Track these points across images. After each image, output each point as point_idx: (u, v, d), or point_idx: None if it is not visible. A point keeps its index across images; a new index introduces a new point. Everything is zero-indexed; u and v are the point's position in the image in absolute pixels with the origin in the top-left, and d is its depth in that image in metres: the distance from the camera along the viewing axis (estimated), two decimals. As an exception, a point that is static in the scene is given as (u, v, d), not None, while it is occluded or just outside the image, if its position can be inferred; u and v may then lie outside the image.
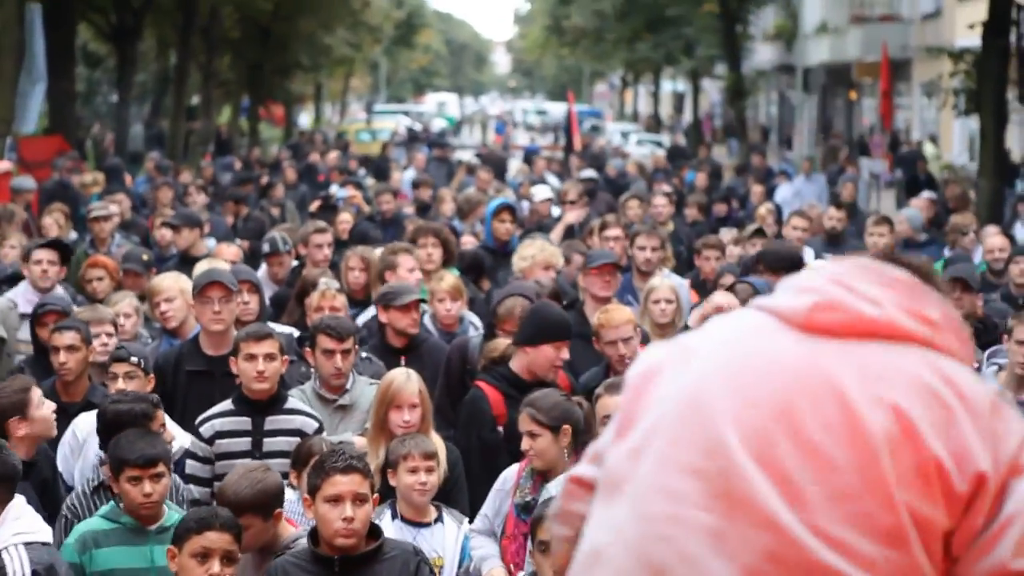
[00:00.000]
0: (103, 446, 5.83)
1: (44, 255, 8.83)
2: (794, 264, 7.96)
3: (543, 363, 6.74)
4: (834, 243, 12.57)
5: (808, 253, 11.89)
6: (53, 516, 5.76)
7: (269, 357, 6.34)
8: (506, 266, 10.25)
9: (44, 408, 5.96)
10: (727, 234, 12.56)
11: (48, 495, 6.06)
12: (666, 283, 8.66)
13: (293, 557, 4.95)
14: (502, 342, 7.07)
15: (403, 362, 7.41)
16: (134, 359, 6.65)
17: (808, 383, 2.22)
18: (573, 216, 13.20)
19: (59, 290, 8.93)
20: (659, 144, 42.05)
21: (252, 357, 6.33)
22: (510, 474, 6.14)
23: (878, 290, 2.31)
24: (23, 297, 8.79)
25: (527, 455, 5.96)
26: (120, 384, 6.59)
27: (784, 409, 2.20)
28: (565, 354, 6.75)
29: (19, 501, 4.99)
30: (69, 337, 6.89)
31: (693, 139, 44.11)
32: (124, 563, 5.25)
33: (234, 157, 19.34)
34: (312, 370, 7.06)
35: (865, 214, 14.25)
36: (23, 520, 4.93)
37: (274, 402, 6.41)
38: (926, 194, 17.92)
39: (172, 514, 5.41)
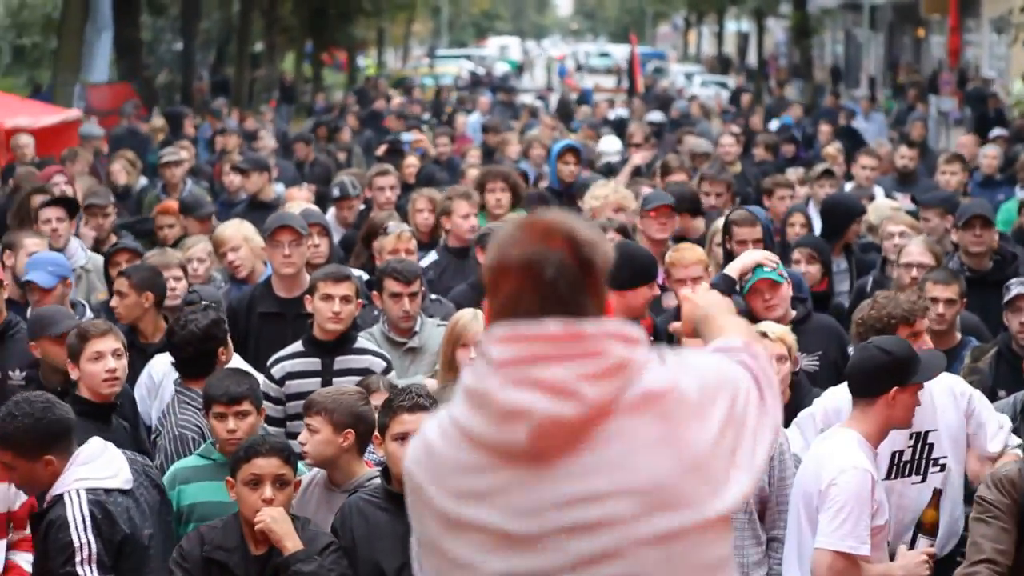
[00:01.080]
0: (177, 367, 6.04)
1: (52, 213, 8.67)
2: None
3: (639, 305, 6.66)
4: (905, 182, 12.45)
5: (878, 191, 11.78)
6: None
7: (345, 299, 6.42)
8: (571, 207, 10.23)
9: (98, 363, 5.82)
10: (794, 174, 12.46)
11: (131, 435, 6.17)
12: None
13: (367, 495, 5.02)
14: None
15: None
16: (204, 303, 6.73)
17: None
18: (639, 158, 13.15)
19: (74, 244, 8.89)
20: (724, 85, 41.66)
21: (329, 297, 6.42)
22: None
23: (561, 375, 2.35)
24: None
25: None
26: None
27: None
28: (656, 291, 6.73)
29: (94, 446, 5.02)
30: (118, 283, 7.03)
31: (758, 80, 43.69)
32: (210, 497, 5.35)
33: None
34: (380, 313, 7.12)
35: (936, 152, 14.07)
36: (91, 466, 4.95)
37: (343, 342, 6.49)
38: (996, 131, 17.67)
39: None
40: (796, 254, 8.15)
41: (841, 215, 9.02)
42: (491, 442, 2.34)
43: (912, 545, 5.18)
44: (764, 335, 6.02)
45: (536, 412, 2.31)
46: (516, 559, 2.35)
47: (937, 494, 5.26)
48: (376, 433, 5.07)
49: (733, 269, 6.73)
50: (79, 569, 4.75)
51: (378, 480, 5.10)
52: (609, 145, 15.03)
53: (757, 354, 2.62)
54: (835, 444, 5.04)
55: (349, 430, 5.33)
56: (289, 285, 7.26)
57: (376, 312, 7.42)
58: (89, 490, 4.84)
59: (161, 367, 6.54)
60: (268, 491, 4.83)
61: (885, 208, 10.17)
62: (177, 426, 5.81)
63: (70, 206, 8.85)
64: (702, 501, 2.34)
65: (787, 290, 6.75)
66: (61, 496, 4.84)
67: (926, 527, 5.17)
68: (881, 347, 5.10)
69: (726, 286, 6.63)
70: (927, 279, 7.01)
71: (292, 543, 4.78)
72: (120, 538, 4.83)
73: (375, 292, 7.12)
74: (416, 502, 2.47)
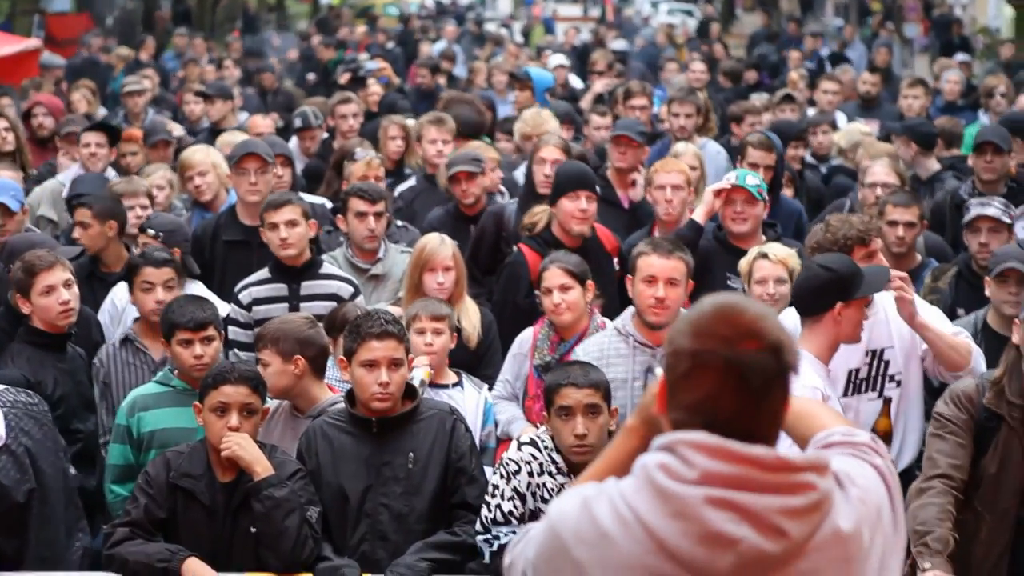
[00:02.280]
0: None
1: (92, 138, 8.81)
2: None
3: (565, 216, 6.78)
4: (868, 107, 12.47)
5: (840, 117, 11.81)
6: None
7: (290, 224, 6.43)
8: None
9: (51, 296, 5.73)
10: (759, 100, 12.46)
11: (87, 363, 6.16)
12: (690, 149, 8.65)
13: (331, 419, 5.04)
14: (540, 209, 7.10)
15: (472, 231, 7.51)
16: (150, 231, 6.72)
17: None
18: (600, 85, 13.12)
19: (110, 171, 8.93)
20: (690, 13, 41.43)
21: (274, 226, 6.44)
22: (526, 337, 6.20)
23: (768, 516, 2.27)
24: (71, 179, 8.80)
25: (556, 310, 6.01)
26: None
27: None
28: (584, 204, 6.76)
29: None
30: (79, 214, 7.00)
31: (724, 8, 43.45)
32: (170, 424, 5.36)
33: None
34: (344, 239, 7.12)
35: (899, 78, 14.09)
36: None
37: (309, 267, 6.50)
38: (960, 57, 17.69)
39: None
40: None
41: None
42: (687, 559, 2.25)
43: None
44: (765, 256, 6.08)
45: (744, 544, 2.24)
46: None
47: (887, 402, 5.34)
48: (342, 357, 5.08)
49: (700, 215, 6.79)
50: None
51: (342, 404, 5.13)
52: (555, 60, 15.05)
53: (883, 451, 2.55)
54: None
55: (297, 356, 5.34)
56: (254, 213, 7.23)
57: (339, 238, 7.43)
58: None
59: (124, 294, 6.55)
60: (235, 419, 4.82)
61: (855, 132, 10.20)
62: None
63: (111, 132, 8.95)
64: None
65: (761, 210, 6.81)
66: None
67: (879, 436, 5.27)
68: (823, 265, 5.15)
69: (694, 233, 6.70)
70: (887, 201, 7.04)
71: (262, 467, 4.78)
72: None
73: (339, 216, 7.12)
74: (567, 572, 2.33)
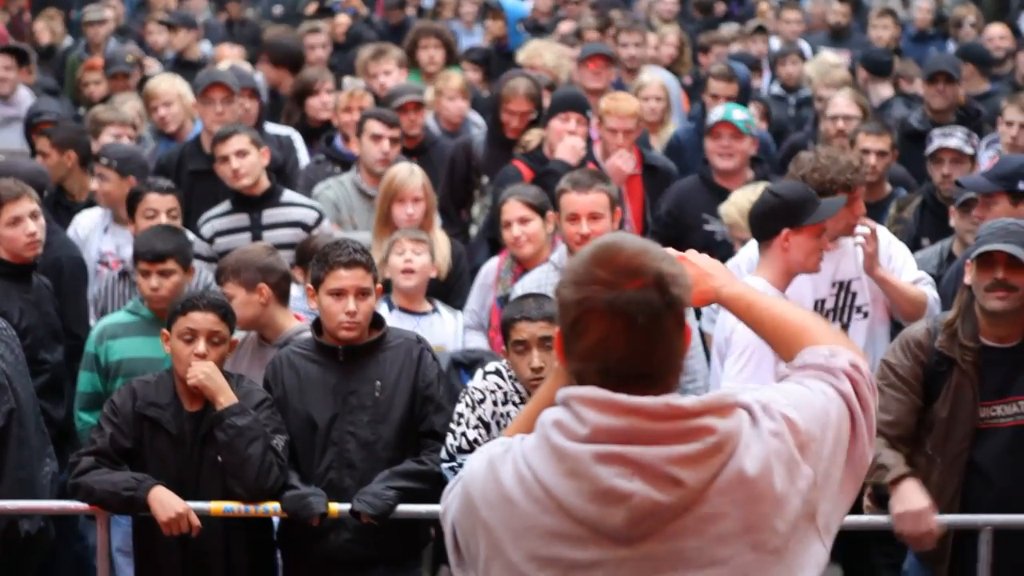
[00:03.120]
0: None
1: (1, 61, 8.66)
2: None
3: (554, 137, 6.83)
4: (838, 38, 12.44)
5: (804, 46, 11.78)
6: (75, 303, 5.97)
7: (240, 154, 6.43)
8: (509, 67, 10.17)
9: (17, 228, 5.65)
10: (727, 31, 12.42)
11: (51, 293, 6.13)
12: (656, 79, 8.64)
13: (297, 347, 5.04)
14: (536, 131, 7.15)
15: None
16: (104, 160, 6.67)
17: None
18: (567, 26, 13.05)
19: (23, 92, 8.87)
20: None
21: (224, 158, 6.44)
22: (490, 267, 6.21)
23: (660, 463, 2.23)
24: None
25: (516, 243, 6.03)
26: (96, 184, 6.73)
27: None
28: (572, 126, 6.79)
29: None
30: (39, 143, 6.96)
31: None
32: (137, 353, 5.35)
33: None
34: (353, 167, 7.10)
35: (869, 8, 14.03)
36: None
37: (269, 196, 6.51)
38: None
39: None
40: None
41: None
42: (582, 517, 2.24)
43: None
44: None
45: (636, 497, 2.21)
46: None
47: (842, 328, 5.41)
48: (309, 285, 5.07)
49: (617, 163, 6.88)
50: None
51: (308, 333, 5.13)
52: None
53: (862, 376, 2.47)
54: None
55: (260, 284, 5.34)
56: None
57: (329, 168, 7.43)
58: None
59: (87, 222, 6.55)
60: (202, 346, 4.80)
61: (825, 63, 10.15)
62: None
63: (20, 55, 8.83)
64: None
65: (748, 146, 6.80)
66: None
67: None
68: (772, 191, 5.19)
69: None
70: (859, 131, 7.05)
71: (225, 397, 4.77)
72: None
73: (357, 137, 7.08)
74: (480, 534, 2.33)
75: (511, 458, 2.32)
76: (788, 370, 2.52)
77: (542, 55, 9.09)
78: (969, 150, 6.72)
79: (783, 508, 2.27)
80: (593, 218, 5.62)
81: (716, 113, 6.85)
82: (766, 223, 5.07)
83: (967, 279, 4.67)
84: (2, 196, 5.70)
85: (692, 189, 6.83)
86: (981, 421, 4.67)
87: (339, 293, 4.87)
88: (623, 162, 6.93)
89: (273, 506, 4.81)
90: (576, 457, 2.24)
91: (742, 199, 6.21)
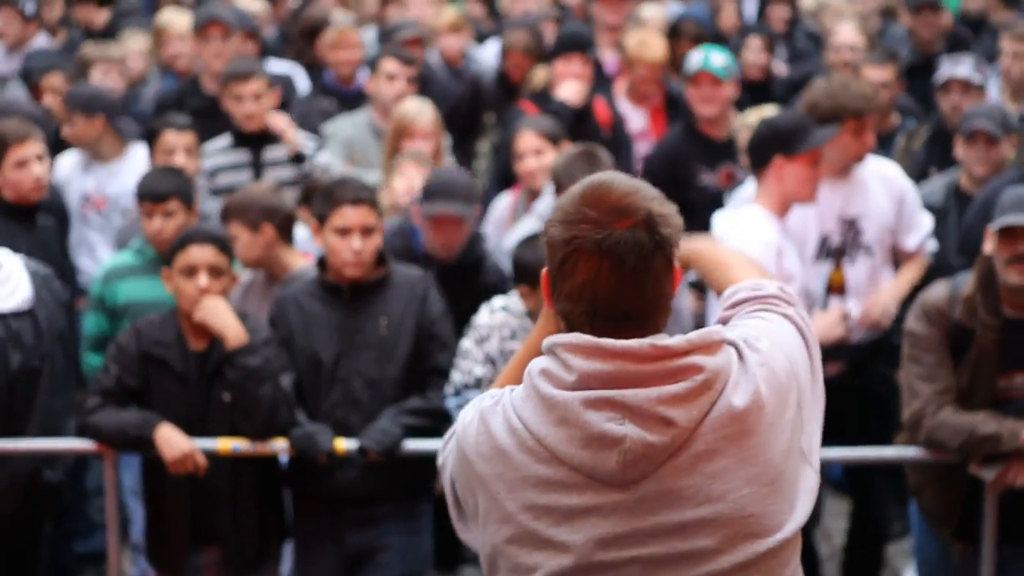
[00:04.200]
0: None
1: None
2: None
3: (557, 78, 6.80)
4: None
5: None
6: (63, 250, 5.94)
7: (256, 96, 6.36)
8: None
9: (24, 171, 5.64)
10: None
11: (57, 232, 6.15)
12: (657, 12, 8.61)
13: (302, 286, 5.03)
14: (542, 71, 7.11)
15: None
16: (68, 104, 6.60)
17: None
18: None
19: (41, 39, 8.78)
20: None
21: (239, 98, 6.38)
22: (503, 204, 6.18)
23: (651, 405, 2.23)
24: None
25: (531, 175, 6.00)
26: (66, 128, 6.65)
27: None
28: (576, 67, 6.75)
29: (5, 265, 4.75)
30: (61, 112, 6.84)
31: None
32: (143, 295, 5.34)
33: None
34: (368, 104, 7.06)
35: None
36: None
37: (271, 133, 6.46)
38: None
39: None
40: (754, 40, 8.21)
41: None
42: (576, 464, 2.24)
43: (824, 308, 5.32)
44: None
45: (628, 440, 2.21)
46: None
47: (838, 255, 5.39)
48: (316, 222, 5.05)
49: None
50: None
51: (312, 271, 5.11)
52: None
53: (794, 299, 2.51)
54: (738, 219, 5.13)
55: (264, 224, 5.34)
56: (219, 80, 7.18)
57: (326, 104, 7.41)
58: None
59: (65, 165, 6.60)
60: (203, 279, 4.77)
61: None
62: None
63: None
64: (780, 524, 2.27)
65: (732, 92, 6.72)
66: None
67: (834, 288, 5.33)
68: (765, 119, 5.19)
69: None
70: (864, 61, 7.00)
71: (233, 334, 4.77)
72: (15, 369, 4.64)
73: (372, 73, 7.08)
74: (476, 487, 2.34)
75: (501, 410, 2.32)
76: (725, 312, 2.53)
77: None
78: (978, 79, 6.66)
79: (775, 439, 2.27)
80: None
81: (694, 61, 6.73)
82: (760, 151, 5.07)
83: (987, 249, 4.56)
84: (8, 137, 5.66)
85: (679, 141, 6.73)
86: (1000, 391, 4.62)
87: (344, 231, 4.86)
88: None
89: (280, 444, 4.82)
90: (565, 405, 2.24)
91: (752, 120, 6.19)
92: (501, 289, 5.37)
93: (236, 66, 6.60)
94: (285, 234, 5.43)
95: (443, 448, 2.51)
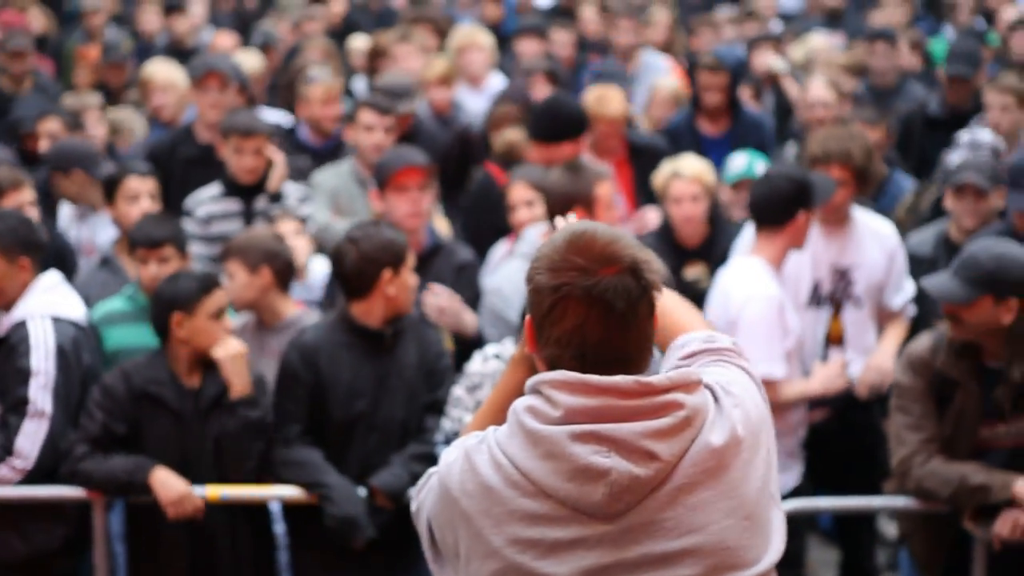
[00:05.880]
0: None
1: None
2: None
3: (561, 158, 6.70)
4: (833, 19, 12.43)
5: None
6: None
7: (258, 152, 6.42)
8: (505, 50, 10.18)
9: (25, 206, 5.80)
10: (720, 14, 12.42)
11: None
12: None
13: (324, 333, 4.98)
14: (512, 133, 7.07)
15: None
16: (48, 162, 6.69)
17: None
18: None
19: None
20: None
21: (240, 150, 6.42)
22: (499, 254, 6.19)
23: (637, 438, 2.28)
24: None
25: (522, 225, 6.02)
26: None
27: None
28: (580, 149, 6.70)
29: (53, 276, 5.05)
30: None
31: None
32: (133, 341, 5.34)
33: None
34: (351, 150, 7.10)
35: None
36: (54, 294, 4.98)
37: (262, 184, 6.51)
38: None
39: None
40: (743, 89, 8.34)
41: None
42: (563, 497, 2.28)
43: (824, 360, 5.35)
44: (677, 175, 6.12)
45: (614, 472, 2.26)
46: None
47: (837, 307, 5.44)
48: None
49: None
50: (33, 393, 4.78)
51: (309, 319, 5.15)
52: None
53: (745, 354, 2.60)
54: (741, 272, 5.16)
55: (264, 266, 5.37)
56: (214, 130, 7.21)
57: (301, 163, 7.41)
58: (55, 319, 4.88)
59: (65, 212, 6.67)
60: (228, 320, 4.93)
61: (816, 49, 10.04)
62: None
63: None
64: (758, 558, 2.33)
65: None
66: (24, 322, 4.85)
67: (833, 339, 5.37)
68: (786, 176, 5.23)
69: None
70: (854, 117, 7.02)
71: (242, 383, 4.84)
72: (85, 368, 4.89)
73: (350, 123, 7.08)
74: (459, 525, 2.37)
75: (486, 447, 2.36)
76: (680, 363, 2.57)
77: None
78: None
79: (750, 476, 2.34)
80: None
81: (737, 166, 6.81)
82: (784, 208, 5.11)
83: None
84: (4, 184, 5.82)
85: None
86: (983, 441, 4.65)
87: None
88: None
89: (274, 491, 4.84)
90: (552, 439, 2.29)
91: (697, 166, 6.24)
92: (468, 271, 5.71)
93: (240, 121, 6.61)
94: (282, 281, 5.46)
95: (417, 493, 2.55)
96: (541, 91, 7.97)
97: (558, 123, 6.44)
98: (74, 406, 4.89)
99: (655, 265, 2.37)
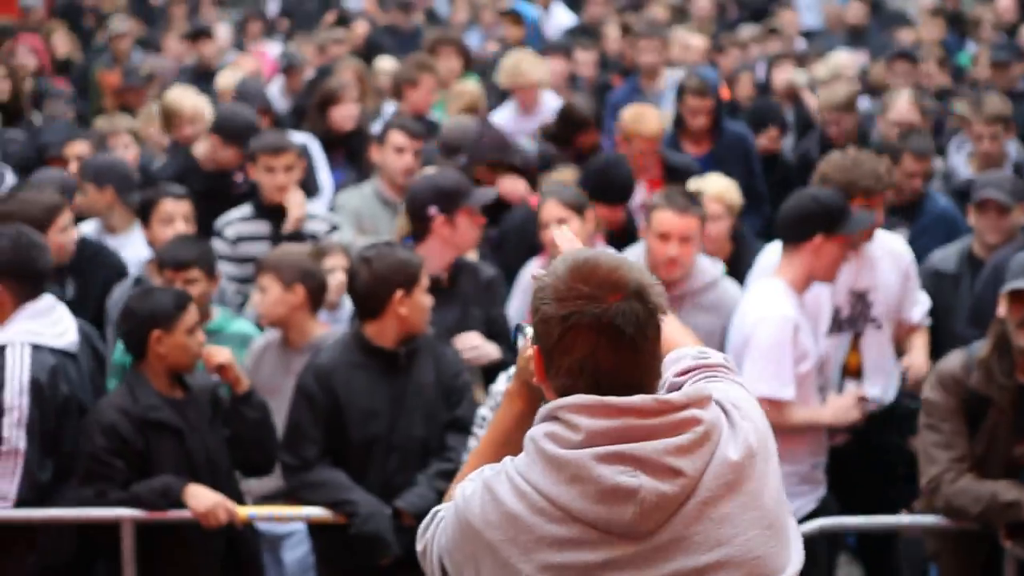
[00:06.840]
0: None
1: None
2: None
3: (619, 219, 6.70)
4: (856, 37, 12.43)
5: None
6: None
7: (288, 169, 6.45)
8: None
9: (64, 234, 5.68)
10: (747, 31, 12.42)
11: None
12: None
13: (339, 353, 4.98)
14: (567, 173, 7.03)
15: None
16: (81, 174, 6.69)
17: None
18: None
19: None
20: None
21: (271, 169, 6.44)
22: (530, 272, 6.19)
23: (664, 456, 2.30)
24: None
25: (554, 244, 6.01)
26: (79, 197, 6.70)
27: None
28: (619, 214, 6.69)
29: (45, 302, 4.89)
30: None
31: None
32: None
33: None
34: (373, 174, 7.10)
35: (889, 7, 14.02)
36: (40, 321, 4.82)
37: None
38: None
39: (222, 319, 5.64)
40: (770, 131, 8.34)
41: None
42: (592, 519, 2.28)
43: (840, 390, 5.32)
44: (700, 193, 6.10)
45: (643, 491, 2.28)
46: None
47: (856, 337, 5.41)
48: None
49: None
50: (7, 432, 4.67)
51: (335, 338, 5.13)
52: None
53: (734, 367, 2.63)
54: (760, 292, 5.14)
55: (298, 284, 5.40)
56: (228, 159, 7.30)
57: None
58: (35, 347, 4.73)
59: (86, 231, 6.60)
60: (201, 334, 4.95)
61: (840, 66, 9.99)
62: None
63: None
64: (784, 565, 2.35)
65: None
66: (3, 348, 4.72)
67: (851, 370, 5.34)
68: (812, 195, 5.18)
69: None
70: (907, 149, 6.88)
71: (246, 380, 4.97)
72: (62, 399, 4.76)
73: (375, 144, 7.09)
74: (483, 557, 2.36)
75: (505, 477, 2.36)
76: (675, 379, 2.59)
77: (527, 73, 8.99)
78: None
79: (767, 486, 2.36)
80: (684, 241, 5.47)
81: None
82: (802, 226, 5.06)
83: (1000, 311, 4.56)
84: (54, 206, 5.67)
85: None
86: (1017, 459, 4.62)
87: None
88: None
89: (303, 512, 4.89)
90: (577, 463, 2.29)
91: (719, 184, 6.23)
92: (494, 285, 5.69)
93: (269, 140, 6.66)
94: (314, 302, 5.50)
95: (423, 533, 2.52)
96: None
97: (622, 187, 6.58)
98: (50, 436, 4.75)
99: (659, 288, 2.38)
